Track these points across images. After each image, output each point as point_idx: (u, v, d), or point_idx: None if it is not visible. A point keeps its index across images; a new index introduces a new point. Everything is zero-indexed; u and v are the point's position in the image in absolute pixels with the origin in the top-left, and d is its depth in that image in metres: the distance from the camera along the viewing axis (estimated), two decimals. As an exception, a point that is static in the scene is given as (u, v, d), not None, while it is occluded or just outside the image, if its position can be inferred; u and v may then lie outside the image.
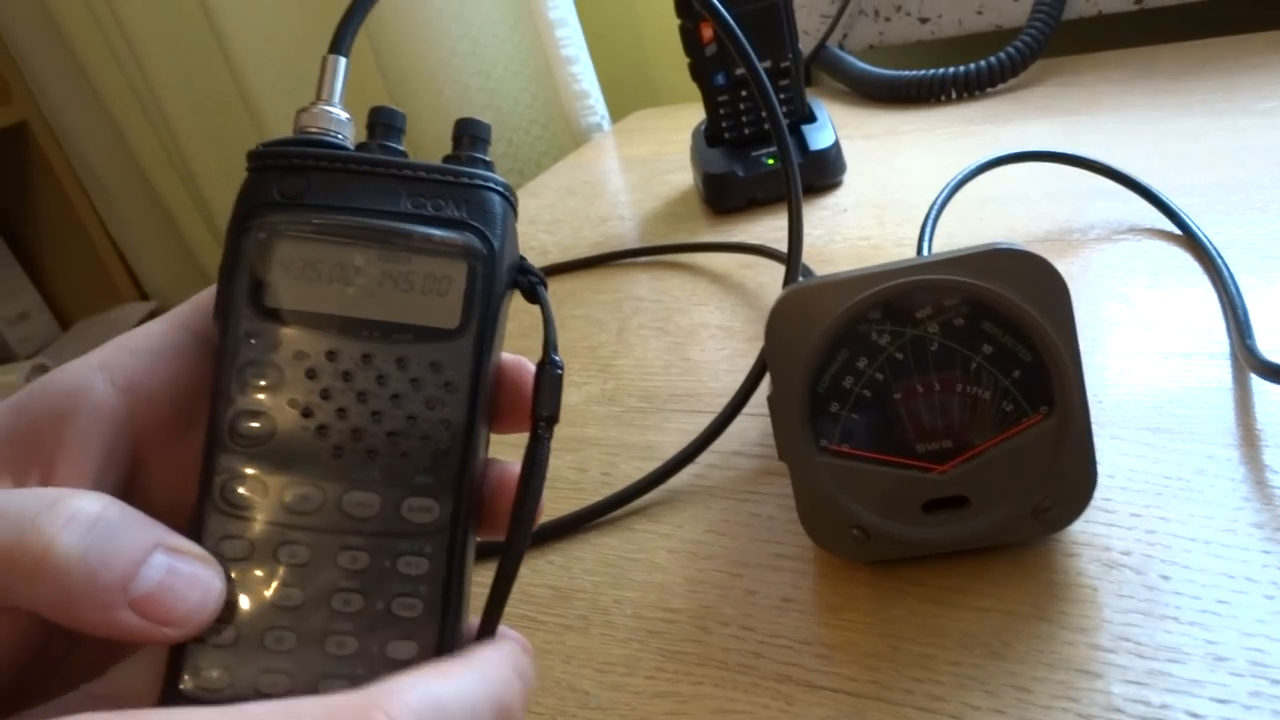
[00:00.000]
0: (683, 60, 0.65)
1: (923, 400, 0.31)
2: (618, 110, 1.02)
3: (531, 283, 0.27)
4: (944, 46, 0.86)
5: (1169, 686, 0.27)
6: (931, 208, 0.48)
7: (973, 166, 0.51)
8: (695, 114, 0.88)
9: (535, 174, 0.93)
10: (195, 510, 0.24)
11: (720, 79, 0.65)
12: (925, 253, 0.46)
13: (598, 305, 0.59)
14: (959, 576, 0.32)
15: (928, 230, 0.47)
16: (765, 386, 0.42)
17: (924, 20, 0.84)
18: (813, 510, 0.33)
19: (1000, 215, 0.55)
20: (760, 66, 0.42)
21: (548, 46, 0.94)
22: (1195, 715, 0.26)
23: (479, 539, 0.25)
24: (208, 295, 0.25)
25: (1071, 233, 0.51)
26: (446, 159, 0.26)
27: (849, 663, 0.31)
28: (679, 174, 0.77)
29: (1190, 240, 0.47)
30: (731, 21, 0.41)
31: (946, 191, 0.49)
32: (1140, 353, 0.41)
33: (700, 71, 0.65)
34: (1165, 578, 0.30)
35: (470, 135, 0.27)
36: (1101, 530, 0.33)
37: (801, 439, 0.32)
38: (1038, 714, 0.27)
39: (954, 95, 0.75)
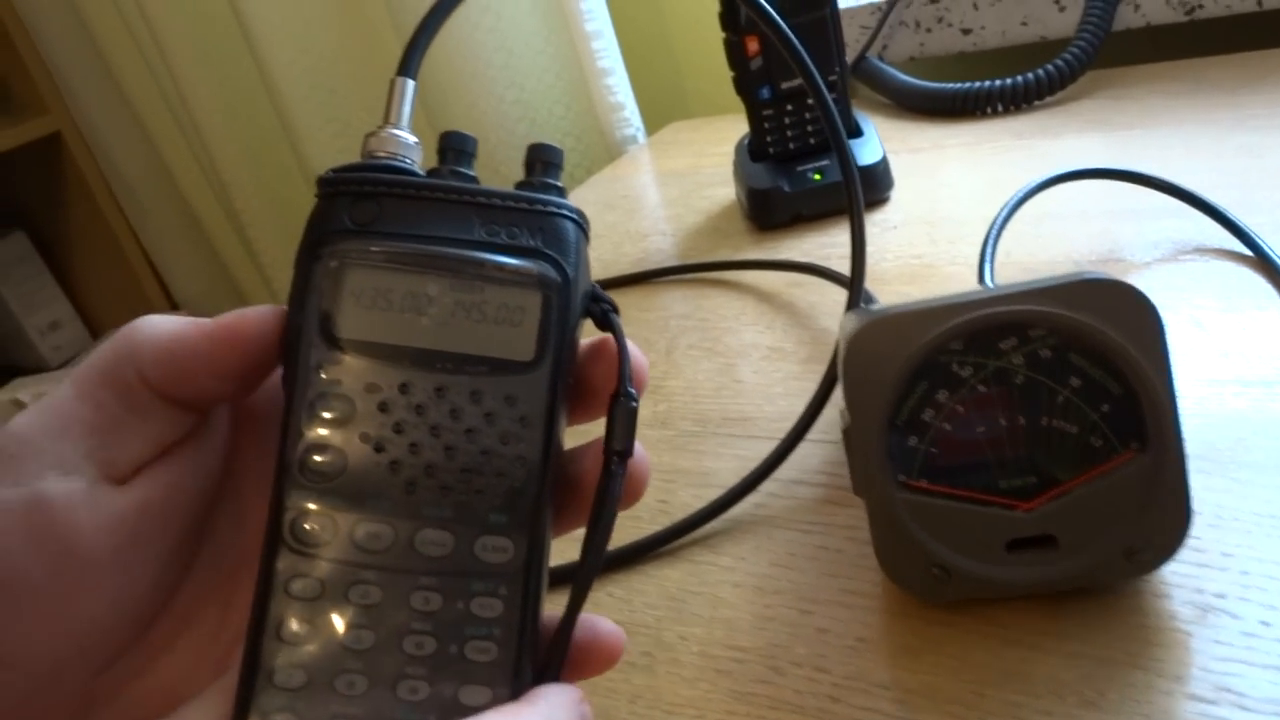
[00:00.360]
0: (715, 72, 0.64)
1: (1006, 435, 0.30)
2: (650, 123, 1.01)
3: (604, 310, 0.26)
4: (986, 58, 0.85)
5: (1278, 742, 0.26)
6: (991, 227, 0.47)
7: (1032, 184, 0.49)
8: (732, 126, 0.88)
9: (570, 188, 0.92)
10: (265, 548, 0.23)
11: (765, 93, 0.64)
12: (988, 274, 0.45)
13: (644, 324, 0.58)
14: (1042, 619, 0.31)
15: (988, 251, 0.46)
16: (828, 412, 0.41)
17: (966, 31, 0.83)
18: (891, 548, 0.31)
19: (1058, 234, 0.53)
20: (820, 79, 0.41)
21: (583, 58, 0.93)
22: (1310, 774, 0.25)
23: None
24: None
25: (1135, 253, 0.50)
26: (520, 185, 0.26)
27: (931, 710, 0.29)
28: (719, 188, 0.76)
29: (1263, 262, 0.45)
30: (791, 35, 0.40)
31: (1006, 210, 0.48)
32: (1218, 381, 0.39)
33: (745, 85, 0.64)
34: (1265, 624, 0.29)
35: (543, 160, 0.26)
36: (1192, 571, 0.31)
37: (880, 474, 0.31)
38: (1138, 769, 0.26)
39: (1000, 108, 0.74)
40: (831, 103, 0.41)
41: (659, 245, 0.69)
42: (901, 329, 0.30)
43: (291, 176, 1.16)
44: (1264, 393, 0.38)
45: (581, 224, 0.25)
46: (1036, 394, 0.30)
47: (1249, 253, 0.47)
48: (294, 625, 0.23)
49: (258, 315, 0.24)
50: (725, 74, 0.66)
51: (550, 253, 0.24)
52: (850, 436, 0.32)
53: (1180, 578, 0.31)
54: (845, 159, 0.41)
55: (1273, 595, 0.30)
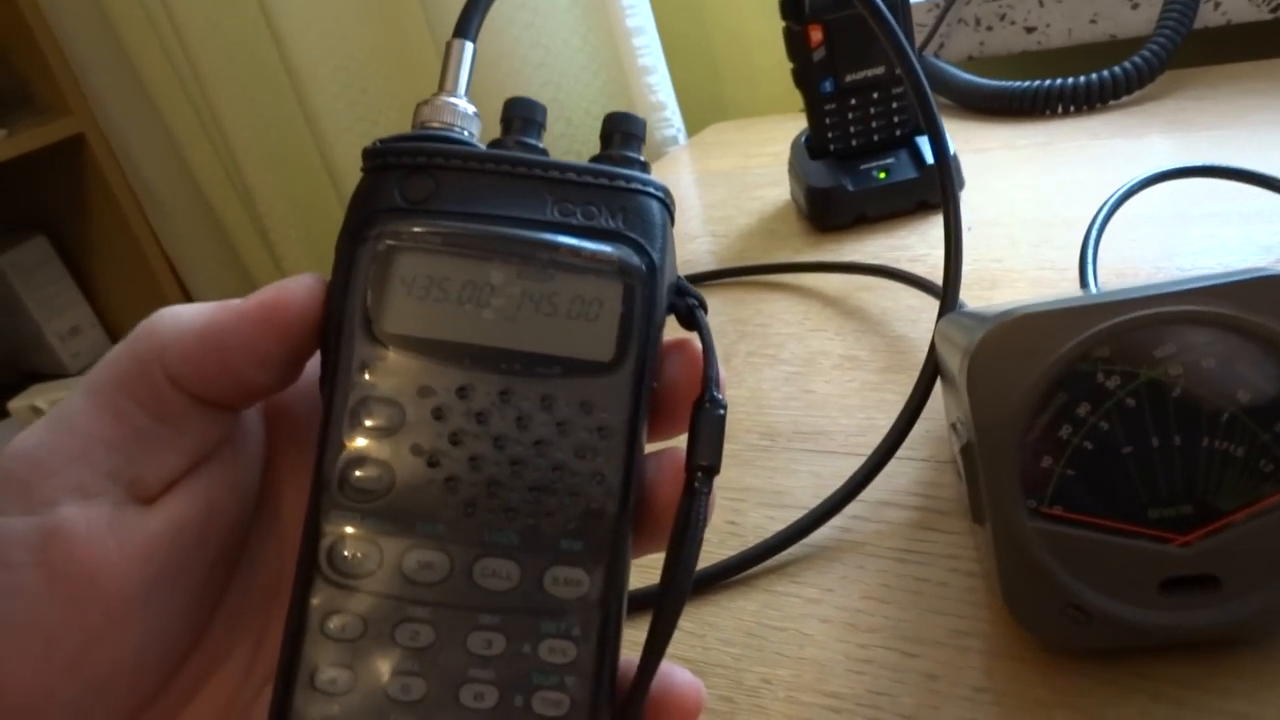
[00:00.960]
0: (754, 76, 0.61)
1: (1159, 457, 0.26)
2: (688, 124, 0.97)
3: (690, 305, 0.22)
4: (1049, 58, 0.81)
5: None
6: (1091, 226, 0.43)
7: (1135, 181, 0.45)
8: (777, 127, 0.84)
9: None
10: (297, 577, 0.20)
11: (828, 86, 0.60)
12: (1092, 278, 0.41)
13: (698, 330, 0.54)
14: (1196, 671, 0.27)
15: (1090, 253, 0.42)
16: (920, 425, 0.37)
17: (1030, 30, 0.78)
18: (1019, 584, 0.27)
19: (1156, 238, 0.49)
20: (914, 56, 0.37)
21: (624, 56, 0.90)
22: None
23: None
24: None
25: (1244, 258, 0.46)
26: (595, 159, 0.22)
27: (1073, 776, 0.25)
28: (770, 189, 0.72)
29: (1399, 267, 0.41)
30: (884, 9, 0.37)
31: (1107, 208, 0.44)
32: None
33: (806, 78, 0.60)
34: None
35: (623, 131, 0.23)
36: (1372, 617, 0.27)
37: (1009, 499, 0.27)
38: None
39: (1070, 108, 0.70)
40: (925, 82, 0.37)
41: (708, 247, 0.65)
42: (1041, 332, 0.26)
43: (318, 180, 1.13)
44: None
45: (668, 204, 0.22)
46: (1197, 410, 0.26)
47: (1379, 257, 0.42)
48: (331, 672, 0.19)
49: (300, 287, 0.20)
50: (764, 78, 0.62)
51: (633, 236, 0.21)
52: (970, 454, 0.28)
53: (1359, 625, 0.27)
54: (940, 141, 0.37)
55: None
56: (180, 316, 0.20)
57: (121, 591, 0.18)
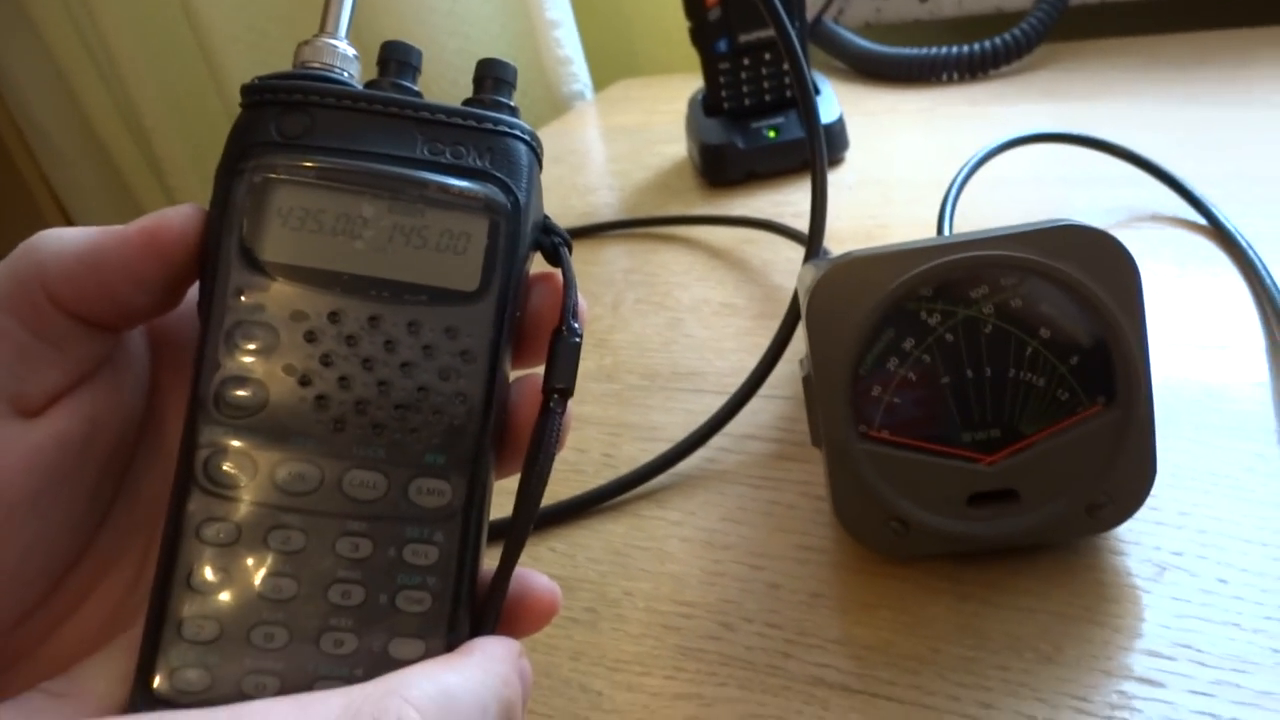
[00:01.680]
0: (666, 30, 0.63)
1: (972, 386, 0.29)
2: (597, 82, 0.98)
3: (555, 243, 0.24)
4: (941, 27, 0.84)
5: (1237, 698, 0.25)
6: (950, 186, 0.46)
7: (992, 146, 0.48)
8: (683, 84, 0.86)
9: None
10: (175, 487, 0.21)
11: (722, 45, 0.62)
12: (947, 233, 0.44)
13: (590, 278, 0.56)
14: (998, 574, 0.30)
15: (948, 210, 0.45)
16: (783, 366, 0.40)
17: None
18: (849, 500, 0.30)
19: (1014, 199, 0.53)
20: (790, 26, 0.39)
21: (531, 9, 0.90)
22: (1270, 731, 0.24)
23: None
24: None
25: (1090, 219, 0.49)
26: (467, 103, 0.24)
27: (887, 665, 0.28)
28: (670, 145, 0.74)
29: (1217, 230, 0.45)
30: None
31: (966, 170, 0.47)
32: (1175, 344, 0.39)
33: (702, 37, 0.62)
34: (1222, 581, 0.29)
35: (494, 77, 0.24)
36: (1149, 529, 0.31)
37: (842, 424, 0.29)
38: (1097, 726, 0.25)
39: (955, 76, 0.73)
40: (800, 51, 0.39)
41: (606, 200, 0.67)
42: (872, 272, 0.29)
43: (217, 124, 1.11)
44: (1219, 355, 0.38)
45: (535, 146, 0.23)
46: (1005, 345, 0.29)
47: (1203, 221, 0.47)
48: (206, 573, 0.20)
49: (180, 215, 0.21)
50: (677, 35, 0.64)
51: (500, 175, 0.22)
52: (811, 384, 0.30)
53: (1138, 535, 0.31)
54: (810, 108, 0.40)
55: (1230, 553, 0.29)
56: (61, 238, 0.20)
57: (6, 500, 0.19)
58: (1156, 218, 0.48)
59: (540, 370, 0.23)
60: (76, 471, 0.21)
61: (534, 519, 0.22)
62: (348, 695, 0.17)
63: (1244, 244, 0.43)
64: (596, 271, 0.57)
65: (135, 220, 0.21)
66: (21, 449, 0.20)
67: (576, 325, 0.23)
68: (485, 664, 0.20)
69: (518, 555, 0.22)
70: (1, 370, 0.20)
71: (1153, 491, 0.31)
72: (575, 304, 0.23)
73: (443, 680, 0.19)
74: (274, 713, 0.17)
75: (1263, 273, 0.40)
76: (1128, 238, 0.43)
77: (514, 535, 0.22)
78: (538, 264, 0.23)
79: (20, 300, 0.20)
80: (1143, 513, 0.31)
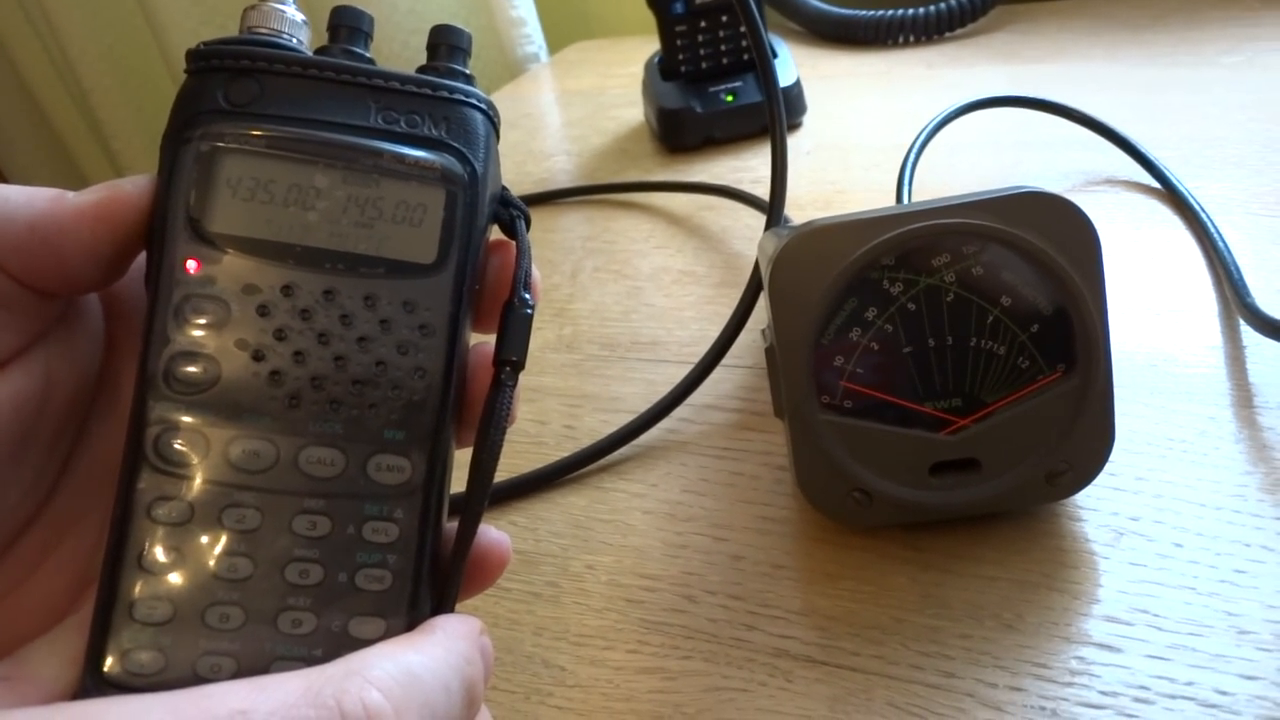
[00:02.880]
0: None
1: (934, 355, 0.29)
2: (551, 45, 0.97)
3: (512, 216, 0.24)
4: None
5: (1193, 662, 0.26)
6: (909, 152, 0.46)
7: (950, 110, 0.48)
8: (639, 47, 0.85)
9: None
10: (124, 465, 0.20)
11: (679, 7, 0.61)
12: (906, 199, 0.44)
13: (548, 245, 0.55)
14: (959, 543, 0.31)
15: (907, 175, 0.45)
16: (745, 336, 0.39)
17: (879, -41, 0.81)
18: (811, 471, 0.30)
19: (971, 163, 0.53)
20: (744, -13, 0.38)
21: (484, -32, 0.88)
22: (1224, 693, 0.25)
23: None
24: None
25: (1046, 183, 0.50)
26: (421, 70, 0.23)
27: (850, 635, 0.28)
28: (627, 109, 0.73)
29: (1171, 194, 0.46)
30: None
31: (924, 135, 0.47)
32: (1130, 308, 0.39)
33: (658, -1, 0.61)
34: (1178, 545, 0.29)
35: (449, 44, 0.23)
36: (1107, 495, 0.31)
37: (804, 395, 0.29)
38: (1057, 690, 0.26)
39: (911, 38, 0.73)
40: (758, 15, 0.39)
41: (563, 166, 0.66)
42: (834, 241, 0.28)
43: (161, 85, 1.07)
44: (1174, 320, 0.38)
45: (491, 116, 0.23)
46: (966, 313, 0.29)
47: (1157, 185, 0.47)
48: (158, 552, 0.20)
49: (135, 187, 0.20)
50: (633, -7, 0.63)
51: (456, 145, 0.22)
52: (773, 355, 0.30)
53: (1096, 501, 0.31)
54: (768, 72, 0.39)
55: (1185, 518, 0.30)
56: (8, 201, 0.19)
57: None
58: (1111, 181, 0.49)
59: (492, 339, 0.22)
60: (31, 434, 0.20)
61: (488, 493, 0.22)
62: (307, 677, 0.17)
63: (1197, 207, 0.43)
64: (555, 239, 0.56)
65: (87, 190, 0.20)
66: None
67: (528, 296, 0.23)
68: (447, 642, 0.20)
69: (474, 532, 0.22)
70: None
71: (1110, 458, 0.32)
72: (528, 274, 0.23)
73: (405, 660, 0.18)
74: (232, 696, 0.16)
75: (1215, 236, 0.41)
76: (1083, 201, 0.43)
77: (469, 511, 0.22)
78: (495, 236, 0.23)
79: None
80: (1101, 479, 0.31)
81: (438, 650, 0.19)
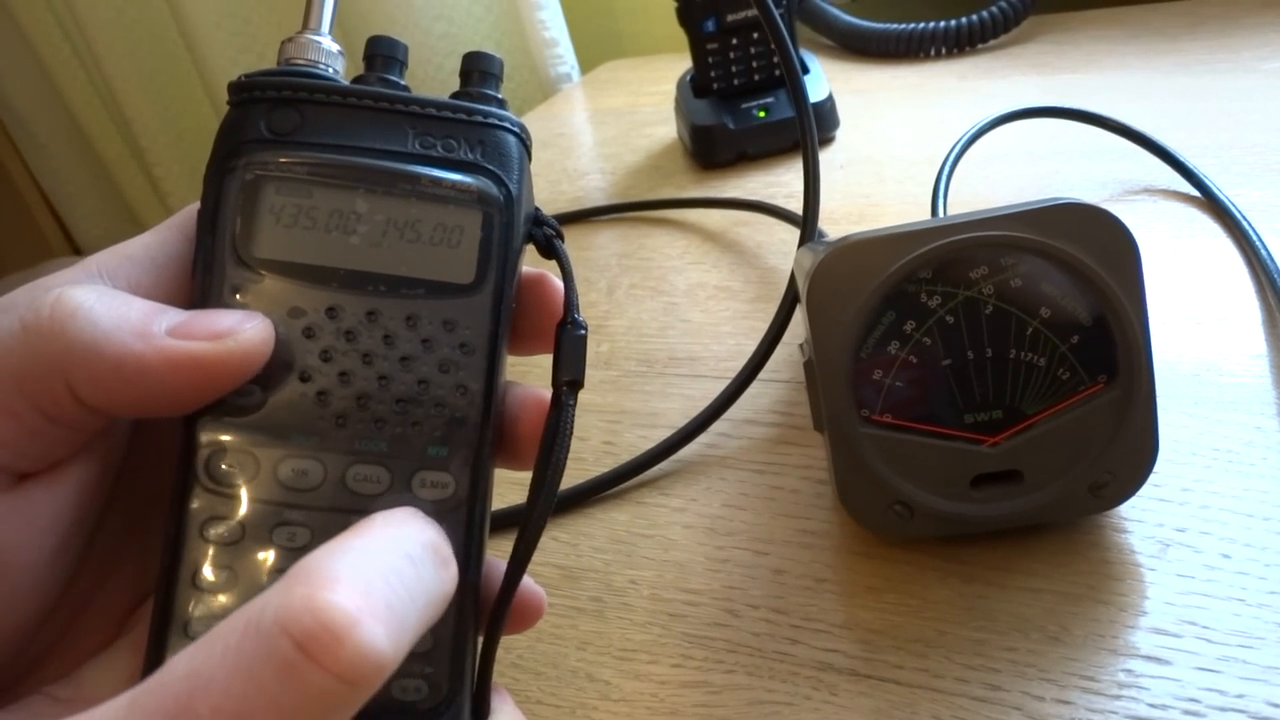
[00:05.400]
0: (650, 10, 0.62)
1: (973, 367, 0.29)
2: (583, 62, 0.98)
3: (548, 235, 0.24)
4: (928, 1, 0.84)
5: (1245, 674, 0.25)
6: (944, 164, 0.46)
7: (985, 122, 0.48)
8: (670, 65, 0.85)
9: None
10: (175, 488, 0.21)
11: (710, 25, 0.61)
12: (941, 212, 0.44)
13: (584, 263, 0.56)
14: (1002, 555, 0.30)
15: (942, 187, 0.45)
16: (781, 350, 0.40)
17: (909, -27, 0.81)
18: (852, 485, 0.30)
19: (1007, 174, 0.53)
20: (773, 6, 0.39)
21: (516, -9, 0.89)
22: (1277, 705, 0.25)
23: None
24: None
25: (1083, 192, 0.49)
26: (455, 96, 0.23)
27: (894, 649, 0.28)
28: (659, 127, 0.73)
29: (1210, 202, 0.45)
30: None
31: (959, 147, 0.47)
32: (1171, 318, 0.39)
33: (689, 17, 0.61)
34: (1226, 556, 0.29)
35: (481, 70, 0.24)
36: (1151, 506, 0.31)
37: (844, 408, 0.29)
38: (1105, 704, 0.25)
39: (943, 50, 0.73)
40: (785, 32, 0.39)
41: (597, 184, 0.67)
42: (871, 256, 0.29)
43: (201, 112, 1.10)
44: (1216, 329, 0.38)
45: (524, 138, 0.23)
46: (1006, 325, 0.29)
47: (1196, 193, 0.47)
48: (211, 571, 0.20)
49: (253, 341, 0.20)
50: (660, 15, 0.63)
51: (491, 168, 0.22)
52: (812, 369, 0.30)
53: (1140, 513, 0.31)
54: (798, 89, 0.39)
55: (1232, 528, 0.29)
56: (97, 326, 0.18)
57: (30, 559, 0.19)
58: (1149, 190, 0.48)
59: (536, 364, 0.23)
60: (80, 520, 0.21)
61: (550, 512, 0.22)
62: (245, 610, 0.15)
63: (1238, 215, 0.43)
64: (590, 257, 0.56)
65: (182, 328, 0.19)
66: (39, 512, 0.20)
67: (580, 318, 0.23)
68: (388, 519, 0.18)
69: (534, 547, 0.22)
70: (7, 450, 0.19)
71: (1154, 469, 0.32)
72: (576, 297, 0.23)
73: (349, 546, 0.16)
74: (180, 662, 0.14)
75: (1257, 244, 0.40)
76: (1121, 211, 0.43)
77: (530, 528, 0.22)
78: (531, 256, 0.23)
79: (38, 386, 0.18)
80: (1145, 490, 0.31)
81: (384, 530, 0.17)
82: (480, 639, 0.22)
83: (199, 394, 0.20)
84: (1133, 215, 0.46)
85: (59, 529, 0.20)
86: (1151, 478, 0.31)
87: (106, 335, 0.18)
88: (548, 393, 0.23)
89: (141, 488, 0.23)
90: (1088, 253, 0.28)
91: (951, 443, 0.29)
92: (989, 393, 0.29)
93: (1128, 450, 0.29)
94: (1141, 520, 0.31)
